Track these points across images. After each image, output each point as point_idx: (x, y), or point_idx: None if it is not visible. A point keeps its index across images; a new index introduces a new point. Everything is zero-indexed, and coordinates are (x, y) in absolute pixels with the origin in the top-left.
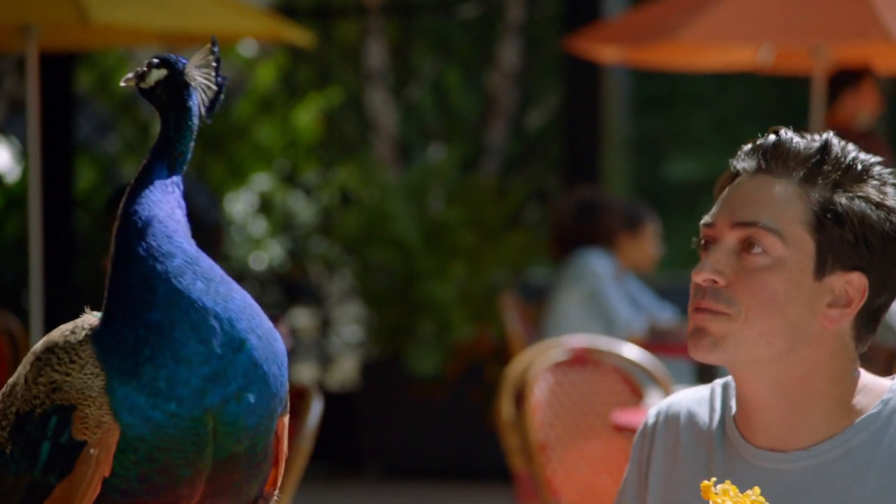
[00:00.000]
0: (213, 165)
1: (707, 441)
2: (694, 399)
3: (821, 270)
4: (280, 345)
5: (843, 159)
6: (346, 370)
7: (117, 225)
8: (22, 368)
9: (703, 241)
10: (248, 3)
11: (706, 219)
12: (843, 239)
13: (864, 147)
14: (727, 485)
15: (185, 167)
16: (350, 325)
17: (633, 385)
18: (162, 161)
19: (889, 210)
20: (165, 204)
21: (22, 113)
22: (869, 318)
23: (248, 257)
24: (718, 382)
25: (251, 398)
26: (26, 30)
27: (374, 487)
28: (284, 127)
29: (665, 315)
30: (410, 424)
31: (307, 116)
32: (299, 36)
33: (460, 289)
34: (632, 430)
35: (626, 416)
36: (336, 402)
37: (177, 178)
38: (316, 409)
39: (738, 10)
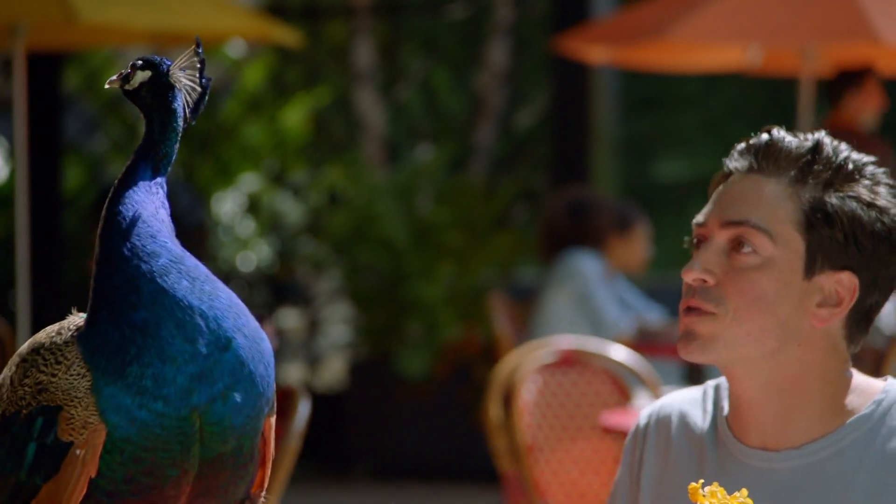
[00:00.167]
0: (200, 165)
1: (699, 441)
2: (686, 400)
3: (810, 270)
4: (266, 344)
5: (834, 159)
6: (334, 371)
7: (101, 225)
8: (7, 370)
9: (695, 241)
10: (237, 3)
11: (698, 218)
12: (833, 238)
13: (866, 148)
14: (715, 486)
15: (169, 168)
16: (338, 326)
17: (621, 386)
18: (146, 162)
19: (880, 210)
20: (149, 204)
21: (9, 113)
22: (860, 319)
23: (236, 258)
24: (710, 384)
25: (238, 397)
26: (14, 29)
27: (362, 488)
28: (272, 127)
29: (653, 316)
30: (398, 425)
31: (295, 116)
32: (288, 36)
33: (448, 289)
34: (620, 432)
35: (614, 418)
36: (324, 403)
37: (161, 180)
38: (303, 409)
39: (726, 11)
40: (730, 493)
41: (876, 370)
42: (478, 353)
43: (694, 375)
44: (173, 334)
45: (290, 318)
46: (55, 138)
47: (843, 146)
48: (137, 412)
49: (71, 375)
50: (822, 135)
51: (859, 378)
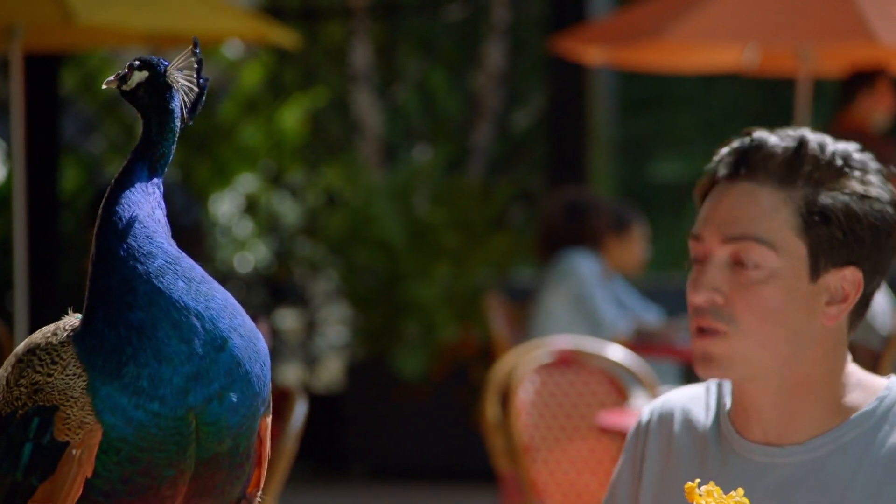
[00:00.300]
0: (198, 166)
1: (702, 437)
2: (688, 397)
3: (815, 272)
4: (262, 344)
5: (821, 157)
6: (331, 371)
7: (97, 226)
8: (3, 370)
9: (693, 256)
10: (234, 4)
11: (695, 231)
12: (832, 237)
13: (876, 149)
14: (711, 486)
15: (166, 168)
16: (335, 327)
17: (618, 386)
18: (143, 162)
19: (874, 199)
20: (146, 204)
21: (6, 114)
22: (862, 305)
23: (234, 258)
24: (713, 381)
25: (233, 397)
26: (10, 30)
27: (360, 488)
28: (270, 128)
29: (651, 316)
30: (396, 426)
31: (292, 117)
32: (285, 37)
33: (445, 290)
34: (617, 432)
35: (611, 418)
36: (321, 404)
37: (157, 180)
38: (300, 410)
39: (723, 11)
40: (732, 488)
41: (872, 370)
42: (475, 353)
43: (691, 375)
44: (169, 335)
45: (288, 318)
46: (53, 139)
47: (828, 140)
48: (134, 412)
49: (67, 375)
50: (804, 133)
51: (861, 374)
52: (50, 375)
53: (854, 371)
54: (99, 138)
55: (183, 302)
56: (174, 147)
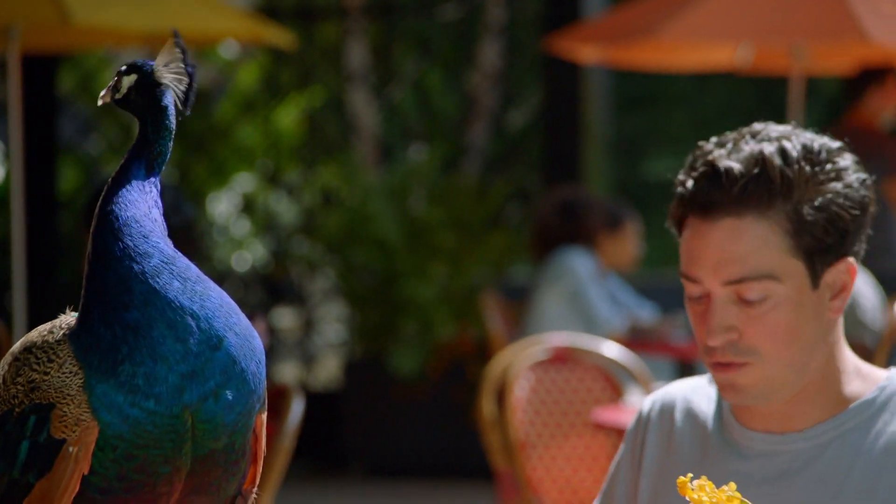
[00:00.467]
0: (195, 166)
1: (703, 426)
2: (689, 388)
3: (815, 279)
4: (258, 342)
5: (788, 170)
6: (328, 370)
7: (94, 225)
8: (0, 369)
9: (689, 294)
10: (230, 5)
11: (686, 271)
12: (822, 242)
13: (884, 147)
14: (703, 480)
15: (163, 167)
16: (332, 325)
17: (613, 383)
18: (140, 161)
19: (848, 186)
20: (142, 204)
21: (4, 115)
22: None
23: (231, 258)
24: None
25: (229, 395)
26: (8, 31)
27: (358, 486)
28: (266, 128)
29: (645, 313)
30: (393, 423)
31: (289, 117)
32: (281, 37)
33: (442, 288)
34: (612, 429)
35: (606, 415)
36: (319, 402)
37: (154, 179)
38: (297, 408)
39: (716, 10)
40: (733, 476)
41: None
42: (471, 351)
43: (685, 372)
44: (164, 334)
45: (285, 317)
46: (50, 140)
47: (787, 146)
48: (129, 410)
49: (63, 373)
50: (760, 148)
51: (860, 363)
52: (46, 373)
53: (852, 359)
54: (97, 139)
55: (178, 302)
56: (171, 144)
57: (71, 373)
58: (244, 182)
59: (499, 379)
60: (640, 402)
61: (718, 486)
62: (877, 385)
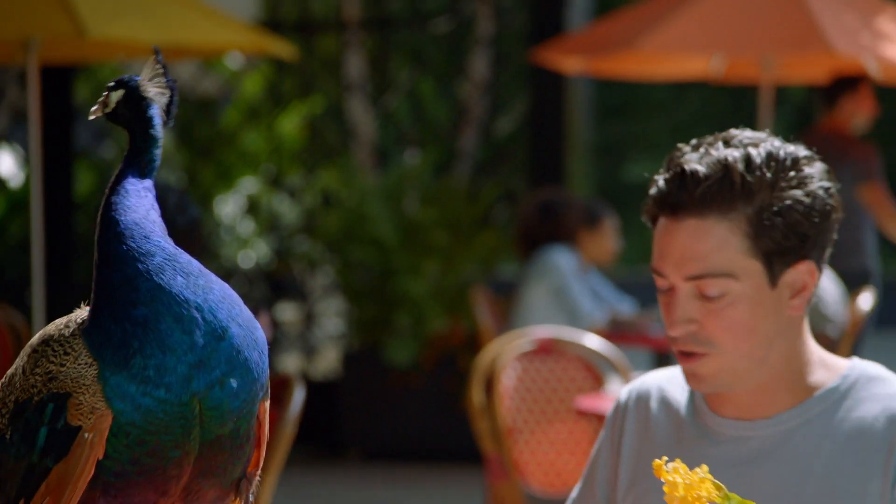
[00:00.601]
0: (203, 170)
1: (677, 414)
2: (664, 377)
3: (774, 279)
4: (260, 333)
5: (749, 176)
6: (328, 360)
7: (98, 231)
8: (19, 360)
9: (658, 286)
10: (235, 18)
11: (655, 265)
12: (781, 245)
13: (855, 150)
14: (677, 463)
15: (154, 172)
16: (332, 319)
17: (594, 373)
18: (133, 169)
19: (811, 195)
20: (141, 207)
21: (24, 122)
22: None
23: (237, 256)
24: None
25: (234, 383)
26: (27, 44)
27: (355, 470)
28: (270, 134)
29: (624, 307)
30: (388, 411)
31: (291, 124)
32: (283, 49)
33: (434, 284)
34: (594, 415)
35: (588, 402)
36: (319, 391)
37: (149, 183)
38: (298, 396)
39: (692, 24)
40: (707, 460)
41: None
42: (462, 343)
43: (663, 362)
44: (172, 327)
45: (287, 311)
46: (67, 146)
47: (752, 152)
48: (141, 399)
49: (79, 365)
50: (726, 154)
51: (824, 354)
52: (63, 365)
53: (816, 351)
54: (110, 144)
55: (183, 296)
56: (159, 152)
57: (86, 364)
58: (249, 185)
59: (487, 369)
60: (619, 390)
61: (692, 469)
62: (840, 374)
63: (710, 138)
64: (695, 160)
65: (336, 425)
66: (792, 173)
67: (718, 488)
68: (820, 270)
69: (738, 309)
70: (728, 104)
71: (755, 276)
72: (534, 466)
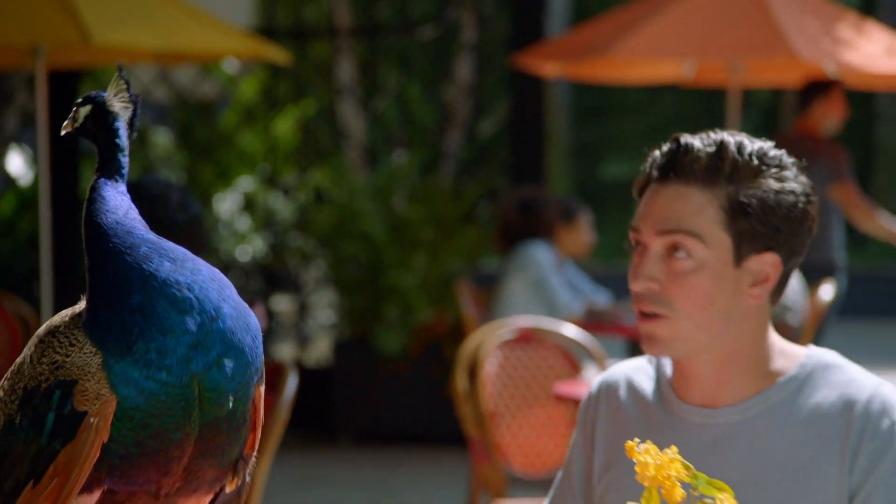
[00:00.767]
0: (202, 169)
1: (645, 402)
2: (632, 368)
3: (739, 259)
4: (253, 319)
5: (739, 158)
6: (321, 349)
7: (84, 238)
8: (27, 350)
9: (633, 244)
10: (232, 26)
11: (633, 223)
12: (752, 228)
13: (826, 150)
14: (648, 444)
15: (125, 177)
16: (324, 310)
17: (572, 360)
18: (106, 178)
19: (788, 192)
20: (119, 209)
21: (32, 124)
22: (781, 283)
23: (235, 250)
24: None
25: (230, 364)
26: (35, 50)
27: (347, 452)
28: (265, 135)
29: (600, 298)
30: (378, 396)
31: (285, 126)
32: (278, 54)
33: (421, 277)
34: (571, 400)
35: (566, 388)
36: (312, 378)
37: (122, 188)
38: (292, 383)
39: (663, 30)
40: (672, 443)
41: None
42: (447, 332)
43: (637, 350)
44: (167, 309)
45: (282, 302)
46: (73, 146)
47: (745, 142)
48: (145, 383)
49: (84, 353)
50: (723, 137)
51: (783, 343)
52: (68, 356)
53: (777, 341)
54: None
55: (173, 278)
56: (127, 160)
57: (91, 353)
58: (246, 183)
59: (471, 356)
60: (595, 376)
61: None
62: (798, 363)
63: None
64: (693, 137)
65: (328, 410)
66: (774, 169)
67: (687, 468)
68: (785, 268)
69: (700, 276)
70: (698, 107)
71: (722, 248)
72: (515, 448)
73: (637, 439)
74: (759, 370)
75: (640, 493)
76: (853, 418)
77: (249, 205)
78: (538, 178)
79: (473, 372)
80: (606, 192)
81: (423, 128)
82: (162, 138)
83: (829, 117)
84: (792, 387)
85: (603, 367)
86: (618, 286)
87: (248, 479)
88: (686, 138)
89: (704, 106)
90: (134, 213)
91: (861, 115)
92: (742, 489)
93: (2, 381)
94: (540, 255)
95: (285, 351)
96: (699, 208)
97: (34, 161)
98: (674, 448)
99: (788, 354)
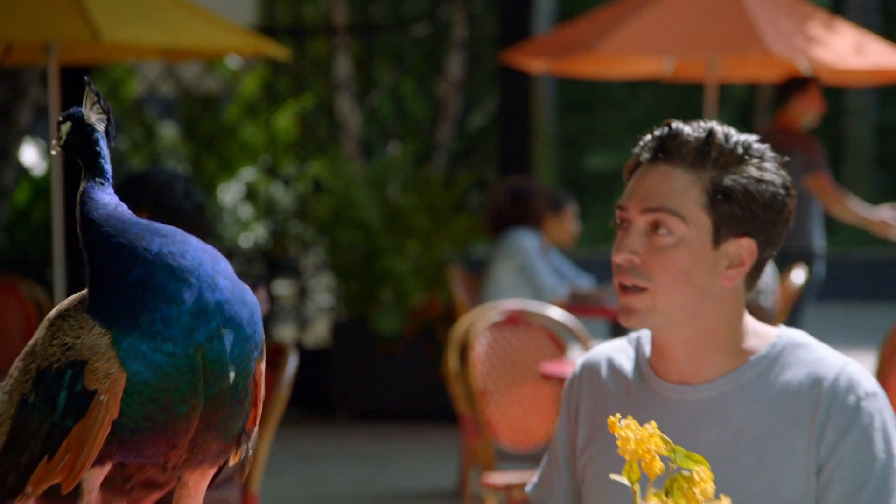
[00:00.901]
0: (206, 161)
1: (626, 380)
2: (613, 348)
3: (717, 241)
4: (250, 296)
5: (725, 146)
6: (319, 331)
7: (81, 235)
8: (39, 332)
9: (619, 222)
10: (235, 24)
11: (619, 202)
12: (732, 213)
13: (802, 143)
14: (629, 419)
15: (111, 179)
16: (323, 294)
17: (557, 341)
18: (93, 182)
19: (768, 182)
20: (108, 205)
21: (45, 117)
22: (757, 269)
23: (238, 237)
24: (633, 335)
25: (230, 336)
26: (48, 47)
27: (344, 429)
28: (267, 128)
29: (583, 282)
30: (374, 376)
31: (285, 119)
32: (278, 51)
33: (415, 263)
34: (557, 379)
35: (551, 367)
36: (311, 358)
37: (110, 189)
38: (292, 362)
39: (644, 29)
40: (651, 418)
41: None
42: (439, 315)
43: (618, 331)
44: (166, 279)
45: (283, 287)
46: None
47: (732, 131)
48: (153, 356)
49: (93, 335)
50: (712, 125)
51: (754, 323)
52: (78, 337)
53: (750, 322)
54: (123, 137)
55: (167, 249)
56: (109, 166)
57: (100, 334)
58: (248, 174)
59: (462, 338)
60: (579, 356)
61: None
62: (769, 342)
63: None
64: (684, 123)
65: (326, 389)
66: (758, 160)
67: (666, 442)
68: (760, 255)
69: (680, 252)
70: (677, 101)
71: (702, 229)
72: (504, 425)
73: (618, 415)
74: (732, 349)
75: (621, 466)
76: (821, 394)
77: (251, 194)
78: (525, 169)
79: (464, 352)
80: (590, 182)
81: (417, 121)
82: (168, 131)
83: (807, 112)
84: (763, 365)
85: (586, 348)
86: (600, 271)
87: (250, 452)
88: (677, 124)
89: (683, 100)
90: (123, 208)
91: (831, 109)
92: (717, 462)
93: (16, 362)
94: (526, 241)
95: (286, 332)
96: (683, 189)
97: (47, 152)
98: (653, 423)
99: (760, 334)
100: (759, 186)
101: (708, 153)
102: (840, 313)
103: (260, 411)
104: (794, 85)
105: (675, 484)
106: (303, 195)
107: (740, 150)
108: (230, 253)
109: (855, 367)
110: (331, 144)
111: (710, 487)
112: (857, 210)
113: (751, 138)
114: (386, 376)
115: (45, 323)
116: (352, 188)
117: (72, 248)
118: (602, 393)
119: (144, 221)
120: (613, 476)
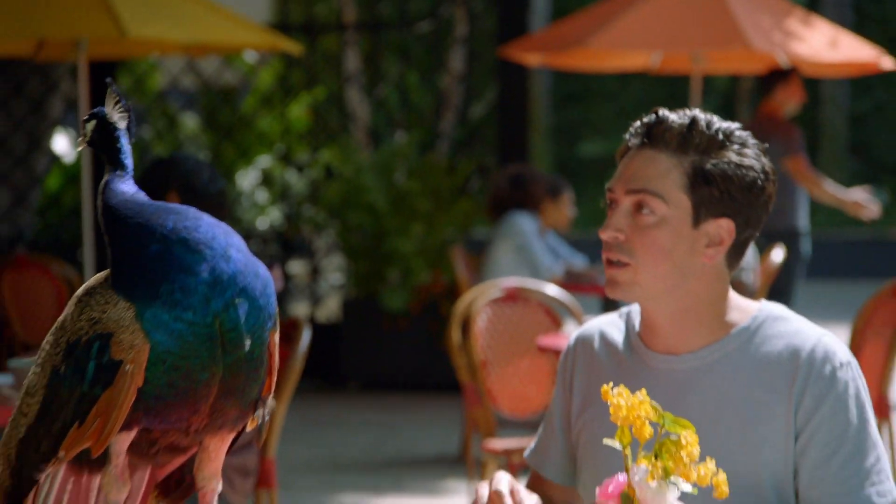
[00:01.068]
0: (226, 149)
1: (617, 352)
2: (605, 322)
3: (697, 221)
4: (263, 269)
5: (707, 132)
6: (331, 307)
7: (102, 222)
8: (68, 308)
9: (608, 202)
10: (251, 21)
11: (608, 184)
12: (711, 195)
13: (784, 130)
14: (621, 388)
15: (131, 174)
16: (334, 273)
17: (553, 316)
18: (114, 173)
19: (747, 168)
20: (126, 192)
21: (75, 109)
22: (737, 250)
23: (255, 220)
24: (624, 309)
25: (244, 304)
26: (78, 44)
27: (354, 398)
28: (281, 118)
29: (577, 262)
30: (382, 349)
31: (299, 110)
32: (292, 46)
33: (419, 244)
34: (553, 351)
35: (547, 340)
36: (324, 332)
37: (129, 179)
38: (306, 336)
39: (633, 25)
40: (641, 387)
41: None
42: (443, 292)
43: (610, 307)
44: (182, 251)
45: (297, 266)
46: None
47: (715, 119)
48: (174, 325)
49: (118, 309)
50: (696, 112)
51: (737, 297)
52: (104, 312)
53: (733, 296)
54: (147, 127)
55: (181, 224)
56: (131, 161)
57: (125, 308)
58: (264, 161)
59: (464, 313)
60: (574, 330)
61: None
62: (751, 315)
63: None
64: (670, 111)
65: (338, 361)
66: (738, 146)
67: (655, 409)
68: (739, 235)
69: (661, 231)
70: (664, 92)
71: (683, 210)
72: (503, 394)
73: (611, 384)
74: (715, 321)
75: (613, 432)
76: (799, 364)
77: (267, 180)
78: (523, 156)
79: (466, 327)
80: (583, 169)
81: (421, 111)
82: (190, 121)
83: (789, 101)
84: (745, 336)
85: (580, 322)
86: (593, 251)
87: (266, 418)
88: (664, 111)
89: (670, 91)
90: (141, 195)
91: (808, 99)
92: (703, 427)
93: (47, 336)
94: (524, 224)
95: (300, 309)
96: (666, 172)
97: (77, 142)
98: (643, 391)
99: (743, 308)
100: (738, 171)
101: (691, 139)
102: (819, 290)
103: (275, 380)
104: (778, 76)
105: (663, 448)
106: (315, 181)
107: (721, 137)
108: (248, 234)
109: (831, 339)
110: (341, 133)
111: (696, 451)
112: (833, 191)
113: (733, 126)
114: (393, 349)
115: (73, 300)
116: (361, 174)
117: (100, 231)
118: (595, 364)
119: (159, 203)
120: (606, 441)
